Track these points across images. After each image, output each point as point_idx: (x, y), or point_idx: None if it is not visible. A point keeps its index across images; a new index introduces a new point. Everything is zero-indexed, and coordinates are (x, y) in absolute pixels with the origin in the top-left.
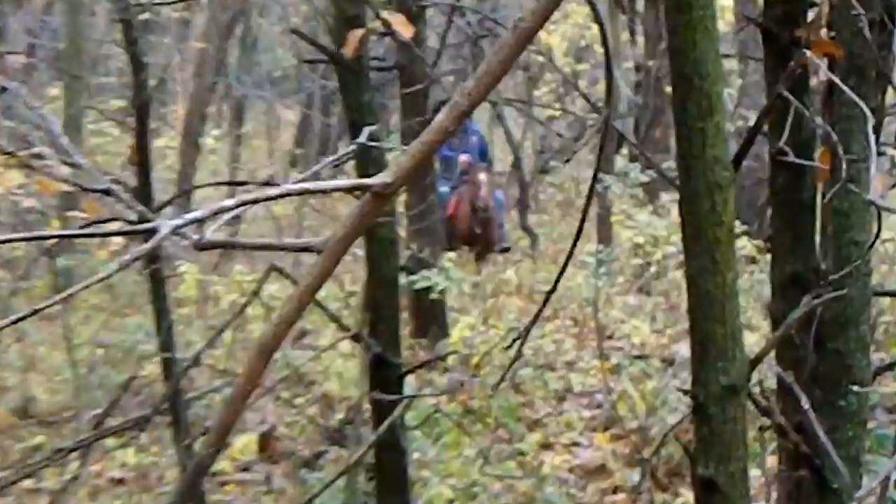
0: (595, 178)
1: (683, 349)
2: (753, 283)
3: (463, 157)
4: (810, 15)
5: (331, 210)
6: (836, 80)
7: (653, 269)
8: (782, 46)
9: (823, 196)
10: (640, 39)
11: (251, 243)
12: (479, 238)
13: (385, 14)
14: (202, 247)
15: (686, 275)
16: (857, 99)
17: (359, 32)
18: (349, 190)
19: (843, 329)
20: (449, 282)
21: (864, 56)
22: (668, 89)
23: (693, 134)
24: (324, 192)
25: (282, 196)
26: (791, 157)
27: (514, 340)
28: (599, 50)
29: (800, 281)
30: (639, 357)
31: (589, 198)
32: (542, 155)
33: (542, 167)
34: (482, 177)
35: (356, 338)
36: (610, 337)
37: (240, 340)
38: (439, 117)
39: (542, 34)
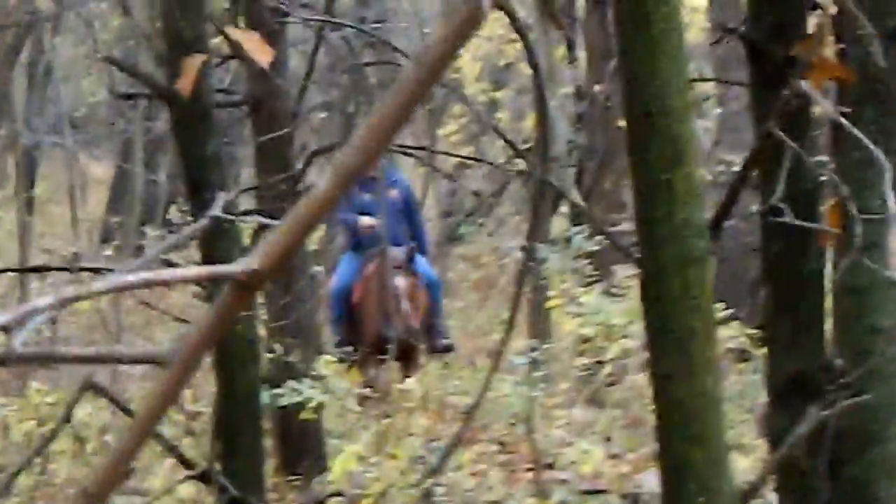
0: (528, 251)
1: (651, 480)
2: (744, 386)
3: (365, 221)
4: (809, 25)
5: (163, 297)
6: (840, 118)
7: (606, 371)
8: (774, 66)
9: (834, 268)
10: (582, 55)
11: (76, 354)
12: (397, 340)
13: (234, 33)
14: (10, 362)
15: (651, 379)
16: (868, 142)
17: (198, 60)
18: (203, 280)
19: (864, 448)
20: (327, 396)
21: (884, 79)
22: (623, 122)
23: (656, 189)
24: (167, 283)
25: (116, 290)
26: (789, 217)
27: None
28: (526, 70)
29: (804, 384)
30: (591, 492)
31: (521, 278)
32: (450, 218)
33: (450, 235)
34: (392, 263)
35: (204, 477)
36: (551, 466)
37: (43, 486)
38: (322, 184)
39: None
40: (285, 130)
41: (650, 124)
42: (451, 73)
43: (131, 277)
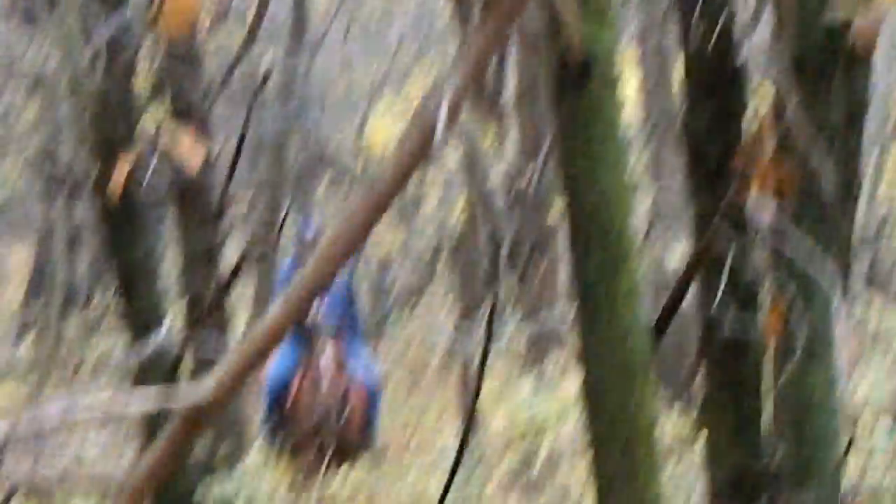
0: (486, 348)
1: None
2: (681, 481)
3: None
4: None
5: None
6: (783, 246)
7: (538, 466)
8: (710, 164)
9: (776, 367)
10: (513, 135)
11: (33, 481)
12: (329, 436)
13: (167, 132)
14: None
15: (595, 481)
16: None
17: (128, 159)
18: (155, 411)
19: None
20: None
21: (822, 178)
22: (556, 213)
23: (598, 294)
24: (125, 415)
25: (69, 423)
26: (730, 320)
27: None
28: (450, 161)
29: (745, 482)
30: None
31: (479, 377)
32: (379, 302)
33: (379, 318)
34: (326, 356)
35: None
36: None
37: None
38: (274, 311)
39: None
40: (211, 224)
41: (589, 230)
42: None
43: (54, 413)
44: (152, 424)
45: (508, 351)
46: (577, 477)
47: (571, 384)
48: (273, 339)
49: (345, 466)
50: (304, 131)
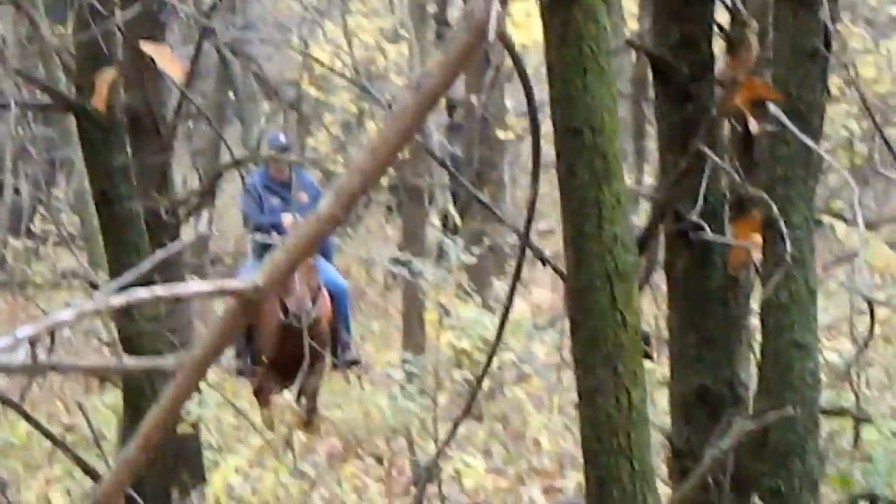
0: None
1: (534, 493)
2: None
3: (287, 219)
4: (717, 41)
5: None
6: (800, 133)
7: (485, 385)
8: (679, 83)
9: (735, 281)
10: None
11: (89, 365)
12: (296, 353)
13: (146, 47)
14: (35, 371)
15: (578, 392)
16: (824, 157)
17: (109, 74)
18: (213, 295)
19: (785, 461)
20: (204, 410)
21: (806, 98)
22: (500, 134)
23: (585, 206)
24: (179, 298)
25: (132, 305)
26: (708, 234)
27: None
28: (398, 80)
29: (708, 398)
30: None
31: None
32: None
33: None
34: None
35: None
36: (430, 480)
37: None
38: (323, 204)
39: (324, 58)
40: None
41: (580, 142)
42: (320, 81)
43: (145, 293)
44: None
45: (458, 270)
46: (519, 390)
47: (516, 307)
48: (319, 233)
49: (319, 383)
50: (245, 57)
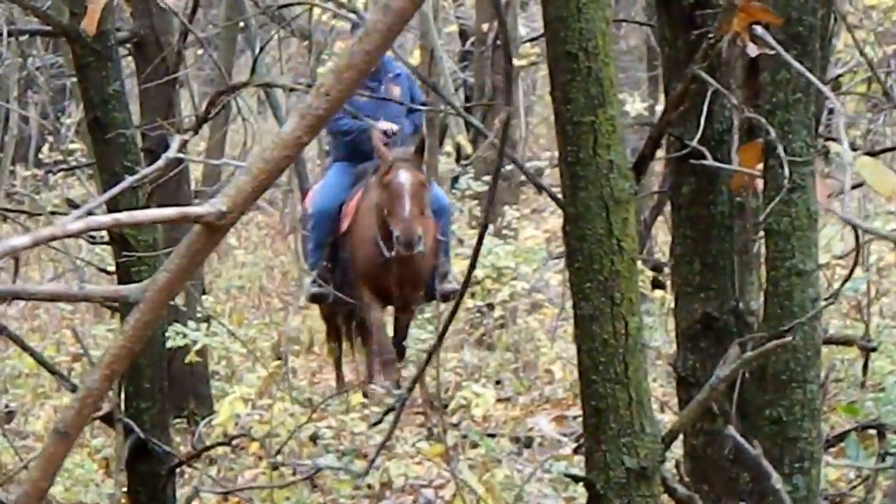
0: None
1: (542, 424)
2: (646, 329)
3: (382, 126)
4: None
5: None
6: (789, 57)
7: (496, 314)
8: (682, 8)
9: (742, 208)
10: None
11: (48, 291)
12: (397, 280)
13: None
14: None
15: (575, 320)
16: (817, 82)
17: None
18: (175, 221)
19: (786, 390)
20: (212, 339)
21: (805, 21)
22: (512, 63)
23: (580, 132)
24: (140, 223)
25: (90, 230)
26: (709, 160)
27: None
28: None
29: (713, 326)
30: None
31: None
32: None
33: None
34: (403, 175)
35: (108, 419)
36: (445, 408)
37: None
38: (287, 127)
39: None
40: (168, 77)
41: (575, 67)
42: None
43: (105, 218)
44: None
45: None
46: (531, 320)
47: (525, 236)
48: (284, 156)
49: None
50: None
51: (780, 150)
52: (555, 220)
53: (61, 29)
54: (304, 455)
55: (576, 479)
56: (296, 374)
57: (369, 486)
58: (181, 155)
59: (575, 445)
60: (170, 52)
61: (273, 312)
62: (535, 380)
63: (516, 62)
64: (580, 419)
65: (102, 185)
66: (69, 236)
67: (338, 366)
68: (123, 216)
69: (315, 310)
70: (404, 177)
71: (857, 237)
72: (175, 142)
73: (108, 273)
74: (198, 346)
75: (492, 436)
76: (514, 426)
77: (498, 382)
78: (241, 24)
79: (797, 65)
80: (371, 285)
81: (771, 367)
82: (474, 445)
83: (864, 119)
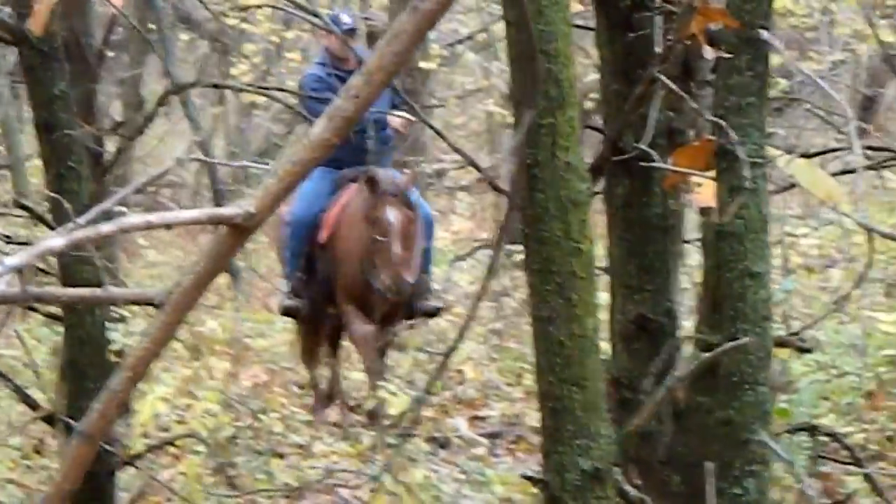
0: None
1: (461, 425)
2: None
3: (395, 122)
4: None
5: None
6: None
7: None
8: (623, 11)
9: (676, 211)
10: None
11: (75, 295)
12: (381, 303)
13: None
14: (22, 300)
15: (532, 322)
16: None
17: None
18: (205, 223)
19: (737, 392)
20: (129, 338)
21: (757, 25)
22: (422, 63)
23: (539, 134)
24: (170, 224)
25: (122, 231)
26: (657, 163)
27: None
28: (324, 10)
29: (648, 328)
30: (398, 436)
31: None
32: (239, 156)
33: (237, 176)
34: (392, 214)
35: (50, 419)
36: (357, 408)
37: None
38: (317, 129)
39: None
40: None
41: (533, 70)
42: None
43: (136, 219)
44: None
45: None
46: (443, 321)
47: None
48: (311, 158)
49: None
50: None
51: (740, 152)
52: (461, 223)
53: (7, 30)
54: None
55: (532, 480)
56: (212, 374)
57: (287, 485)
58: (201, 157)
59: (489, 446)
60: (93, 55)
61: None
62: (448, 380)
63: (425, 64)
64: (494, 420)
65: (52, 185)
66: (101, 237)
67: (315, 385)
68: (154, 217)
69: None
70: (393, 216)
71: (869, 238)
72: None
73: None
74: (115, 346)
75: (409, 435)
76: (431, 425)
77: (411, 382)
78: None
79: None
80: (356, 302)
81: (722, 370)
82: (390, 446)
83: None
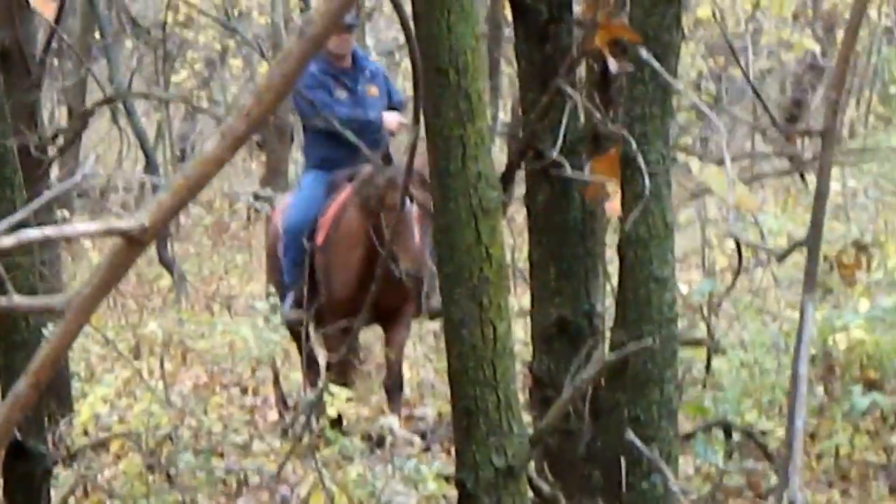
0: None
1: (394, 424)
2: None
3: (391, 118)
4: None
5: None
6: (662, 71)
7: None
8: (540, 23)
9: (591, 215)
10: None
11: None
12: (386, 298)
13: None
14: None
15: (445, 325)
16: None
17: None
18: (102, 235)
19: (644, 391)
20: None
21: (663, 39)
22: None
23: (450, 144)
24: (68, 237)
25: (21, 244)
26: (568, 171)
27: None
28: (261, 19)
29: (567, 329)
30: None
31: None
32: (184, 162)
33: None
34: (395, 178)
35: None
36: (294, 408)
37: None
38: (209, 145)
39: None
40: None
41: (445, 82)
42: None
43: (35, 233)
44: None
45: None
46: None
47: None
48: (206, 173)
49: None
50: None
51: (641, 160)
52: None
53: None
54: (164, 454)
55: (447, 478)
56: (153, 374)
57: (225, 483)
58: (94, 170)
59: (424, 444)
60: (34, 63)
61: (129, 314)
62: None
63: None
64: (430, 418)
65: None
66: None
67: (283, 400)
68: (51, 230)
69: None
70: (408, 202)
71: (738, 249)
72: (90, 159)
73: None
74: None
75: (344, 434)
76: (368, 424)
77: (348, 385)
78: (97, 33)
79: (671, 79)
80: (345, 307)
81: (630, 369)
82: (328, 443)
83: (696, 127)
